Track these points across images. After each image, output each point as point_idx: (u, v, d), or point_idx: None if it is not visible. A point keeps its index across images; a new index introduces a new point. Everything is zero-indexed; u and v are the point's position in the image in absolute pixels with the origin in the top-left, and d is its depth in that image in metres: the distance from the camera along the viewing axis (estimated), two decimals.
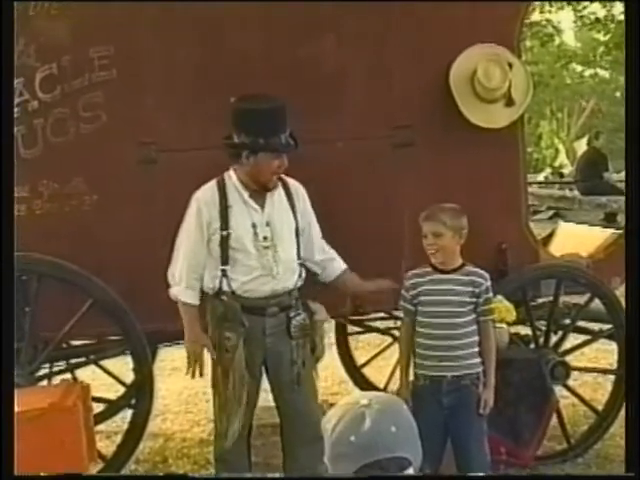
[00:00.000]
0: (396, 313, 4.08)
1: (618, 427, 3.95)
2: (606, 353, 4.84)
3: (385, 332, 4.71)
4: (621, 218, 9.37)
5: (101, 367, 4.43)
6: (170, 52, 3.62)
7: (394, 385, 4.23)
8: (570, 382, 4.02)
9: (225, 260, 3.15)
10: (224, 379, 3.12)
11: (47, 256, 3.48)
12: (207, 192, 3.18)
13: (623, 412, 3.85)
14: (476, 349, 3.17)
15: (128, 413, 3.77)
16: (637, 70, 3.29)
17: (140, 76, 3.61)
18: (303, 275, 3.28)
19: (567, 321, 4.03)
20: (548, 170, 18.09)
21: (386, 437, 1.54)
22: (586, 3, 14.12)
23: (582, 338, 4.23)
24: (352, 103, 3.73)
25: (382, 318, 4.44)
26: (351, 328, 4.83)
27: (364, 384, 4.85)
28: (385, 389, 4.50)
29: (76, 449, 3.20)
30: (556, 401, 3.83)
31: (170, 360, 5.24)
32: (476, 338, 3.17)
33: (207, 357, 3.25)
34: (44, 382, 3.73)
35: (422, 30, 3.74)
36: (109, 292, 3.51)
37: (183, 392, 5.12)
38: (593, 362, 5.02)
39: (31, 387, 3.49)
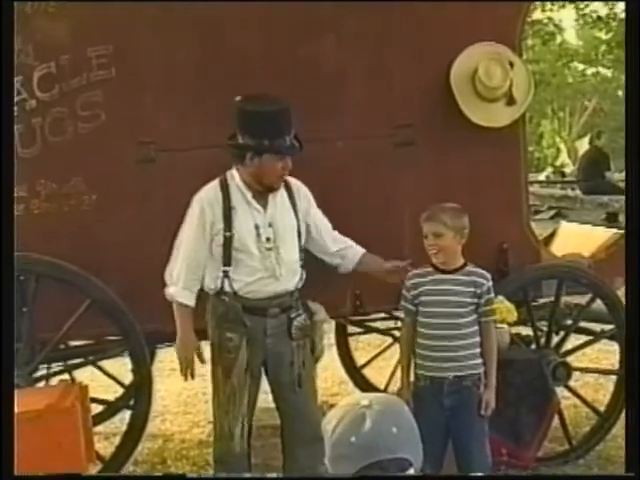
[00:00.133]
0: (396, 313, 4.08)
1: (620, 428, 3.93)
2: (608, 354, 4.83)
3: (385, 332, 4.71)
4: (623, 218, 9.34)
5: (99, 368, 4.42)
6: (169, 51, 3.61)
7: (395, 386, 4.21)
8: (572, 383, 4.01)
9: (227, 261, 3.14)
10: (225, 380, 3.11)
11: (45, 256, 3.46)
12: (210, 192, 3.16)
13: None
14: (477, 350, 3.16)
15: (127, 414, 3.76)
16: (637, 69, 3.27)
17: (139, 75, 3.59)
18: (304, 276, 3.26)
19: (569, 321, 4.02)
20: (549, 169, 18.11)
21: (387, 438, 1.53)
22: (588, 1, 14.11)
23: (584, 339, 4.22)
24: (352, 102, 3.72)
25: (382, 318, 4.43)
26: (351, 328, 4.82)
27: (364, 385, 4.85)
28: (385, 390, 4.49)
29: (74, 450, 3.18)
30: (557, 402, 3.81)
31: (169, 361, 5.20)
32: (477, 339, 3.16)
33: (205, 358, 3.24)
34: (42, 383, 3.71)
35: (423, 29, 3.73)
36: (108, 292, 3.50)
37: (182, 393, 5.11)
38: (595, 363, 5.00)
39: (29, 388, 3.47)
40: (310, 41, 3.67)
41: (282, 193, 3.22)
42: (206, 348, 3.25)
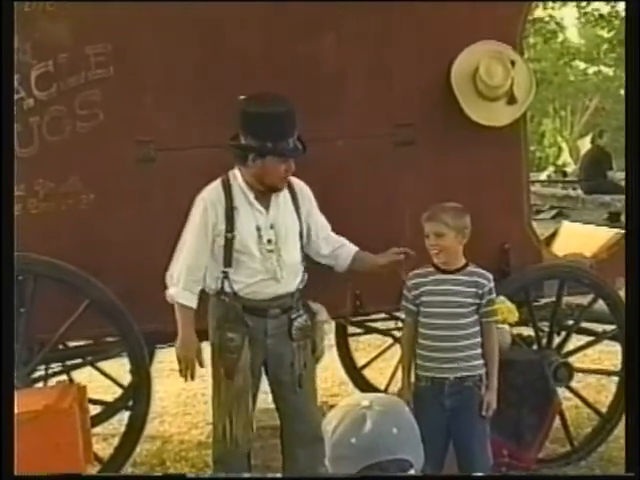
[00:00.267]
0: (397, 314, 4.07)
1: (622, 429, 3.90)
2: (610, 354, 4.82)
3: (386, 333, 4.69)
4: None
5: (98, 369, 4.41)
6: (168, 50, 3.59)
7: (395, 387, 4.20)
8: (573, 384, 3.99)
9: (228, 262, 3.12)
10: (227, 380, 3.10)
11: (43, 256, 3.45)
12: (213, 192, 3.14)
13: None
14: (479, 350, 3.15)
15: (125, 415, 3.73)
16: (637, 68, 3.25)
17: (137, 74, 3.57)
18: (305, 277, 3.25)
19: (570, 322, 4.01)
20: (551, 169, 18.08)
21: (387, 439, 1.53)
22: (589, 0, 14.09)
23: (585, 339, 4.22)
24: (352, 102, 3.71)
25: (383, 319, 4.42)
26: (351, 329, 4.81)
27: (364, 386, 4.84)
28: (386, 391, 4.48)
29: (72, 452, 3.17)
30: (559, 403, 3.80)
31: (168, 361, 5.19)
32: (479, 339, 3.15)
33: (204, 361, 3.22)
34: (40, 384, 3.69)
35: (423, 28, 3.72)
36: (106, 292, 3.48)
37: (181, 394, 5.11)
38: (597, 363, 5.00)
39: (27, 389, 3.46)
40: (310, 40, 3.65)
41: (285, 194, 3.20)
42: (206, 349, 3.24)
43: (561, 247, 4.42)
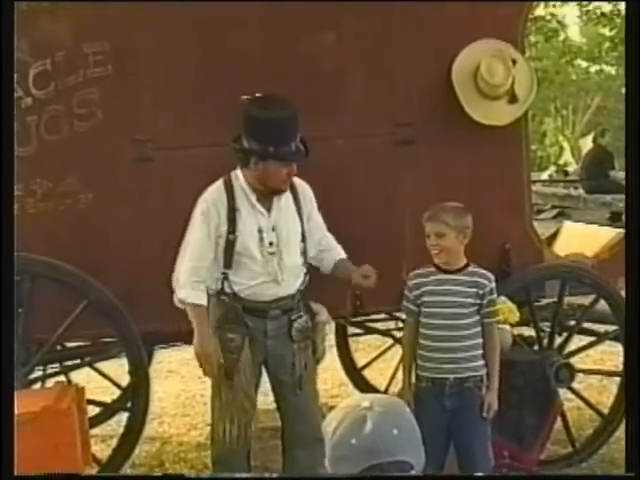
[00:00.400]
0: (397, 314, 4.05)
1: (624, 431, 3.88)
2: (612, 355, 4.82)
3: (386, 333, 4.68)
4: None
5: (96, 369, 4.40)
6: (167, 49, 3.58)
7: (395, 387, 4.19)
8: (575, 385, 3.98)
9: (229, 264, 3.11)
10: (226, 381, 3.09)
11: (41, 256, 3.44)
12: (215, 193, 3.13)
13: None
14: (479, 351, 3.14)
15: (124, 416, 3.73)
16: (637, 68, 3.23)
17: (136, 73, 3.56)
18: (307, 278, 3.24)
19: (572, 322, 4.00)
20: (552, 168, 18.05)
21: (388, 440, 1.53)
22: None
23: (587, 340, 4.20)
24: (352, 101, 3.69)
25: (383, 319, 4.41)
26: (351, 329, 4.81)
27: (364, 386, 4.83)
28: (386, 391, 4.48)
29: (70, 453, 3.15)
30: (560, 404, 3.79)
31: (167, 362, 5.22)
32: (479, 340, 3.14)
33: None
34: (38, 385, 3.70)
35: (423, 27, 3.71)
36: (104, 293, 3.47)
37: (180, 395, 5.12)
38: (598, 364, 5.00)
39: (25, 390, 3.45)
40: (310, 40, 3.64)
41: (287, 195, 3.19)
42: None
43: (562, 247, 4.40)
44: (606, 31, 15.81)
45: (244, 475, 3.15)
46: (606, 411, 4.00)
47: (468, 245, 3.17)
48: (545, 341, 3.88)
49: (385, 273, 3.57)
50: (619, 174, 11.29)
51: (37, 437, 3.05)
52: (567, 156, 20.75)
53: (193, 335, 3.12)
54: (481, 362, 3.13)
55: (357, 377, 4.92)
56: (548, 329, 3.90)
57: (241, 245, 3.09)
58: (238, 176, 3.14)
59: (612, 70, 21.41)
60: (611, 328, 4.05)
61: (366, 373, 4.93)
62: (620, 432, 3.93)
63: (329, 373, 4.94)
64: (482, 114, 3.67)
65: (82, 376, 4.25)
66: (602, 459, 3.91)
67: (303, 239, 3.21)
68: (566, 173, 15.61)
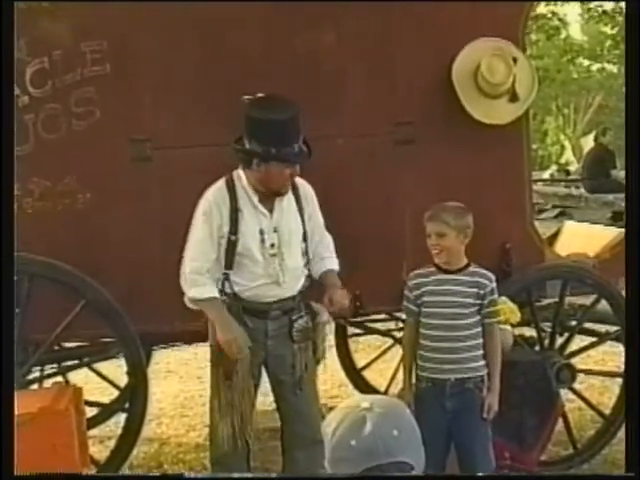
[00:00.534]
0: (397, 314, 4.03)
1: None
2: (613, 355, 4.82)
3: (386, 334, 4.67)
4: None
5: (94, 370, 4.39)
6: (165, 47, 3.56)
7: (395, 388, 4.18)
8: (576, 385, 3.97)
9: (229, 264, 3.09)
10: (226, 381, 3.08)
11: (39, 256, 3.42)
12: (217, 193, 3.10)
13: None
14: (480, 352, 3.12)
15: (122, 417, 3.73)
16: (638, 67, 3.21)
17: (134, 71, 3.55)
18: (308, 280, 3.22)
19: (573, 323, 3.99)
20: (554, 167, 18.01)
21: (388, 441, 1.52)
22: None
23: (588, 340, 4.19)
24: (353, 100, 3.68)
25: (383, 320, 4.40)
26: (351, 330, 4.81)
27: (364, 387, 4.82)
28: (386, 392, 4.48)
29: (68, 454, 3.14)
30: (561, 405, 3.78)
31: (165, 363, 5.22)
32: (480, 340, 3.13)
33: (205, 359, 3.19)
34: (35, 385, 3.68)
35: (424, 25, 3.69)
36: (102, 293, 3.46)
37: (179, 395, 5.12)
38: (600, 365, 4.99)
39: (22, 390, 3.43)
40: (310, 39, 3.63)
41: (289, 196, 3.16)
42: (206, 350, 3.21)
43: (564, 247, 4.40)
44: (608, 29, 15.79)
45: (242, 475, 3.15)
46: (608, 412, 3.99)
47: (469, 245, 3.16)
48: (546, 341, 3.86)
49: (385, 273, 3.57)
50: (621, 173, 11.26)
51: (35, 438, 3.04)
52: (568, 155, 20.71)
53: (190, 335, 3.11)
54: (482, 363, 3.12)
55: (357, 378, 4.91)
56: (549, 329, 3.89)
57: (242, 246, 3.07)
58: (240, 176, 3.12)
59: (614, 68, 21.36)
60: (612, 328, 4.04)
61: (366, 374, 4.92)
62: (622, 433, 3.91)
63: (329, 374, 4.91)
64: (483, 113, 3.65)
65: (80, 377, 4.24)
66: (604, 460, 3.90)
67: (305, 240, 3.19)
68: (567, 172, 15.58)
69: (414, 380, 3.19)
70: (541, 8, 13.76)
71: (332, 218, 3.33)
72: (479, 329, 3.12)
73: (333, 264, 3.26)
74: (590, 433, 4.05)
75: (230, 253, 3.08)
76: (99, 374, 4.44)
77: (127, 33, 3.51)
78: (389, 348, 4.79)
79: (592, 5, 14.46)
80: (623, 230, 4.33)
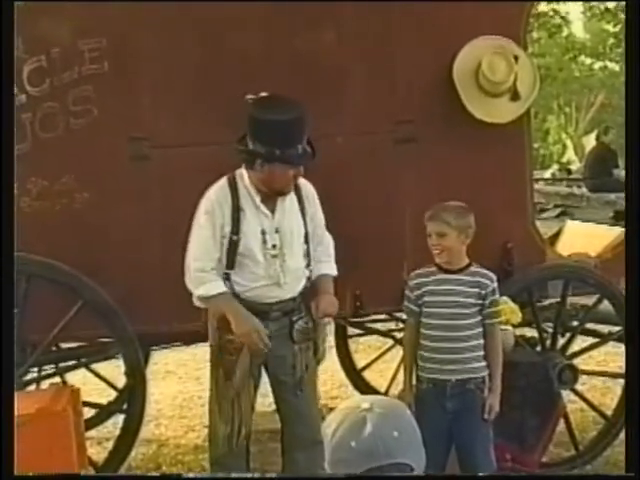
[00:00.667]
0: (397, 314, 4.02)
1: None
2: (615, 356, 4.80)
3: (386, 334, 4.67)
4: None
5: (92, 371, 4.37)
6: (164, 46, 3.54)
7: (396, 389, 4.16)
8: (578, 386, 3.96)
9: (230, 264, 3.07)
10: (226, 382, 3.06)
11: (37, 256, 3.40)
12: (220, 192, 3.08)
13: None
14: (481, 352, 3.11)
15: (120, 418, 3.71)
16: (638, 66, 3.19)
17: (133, 70, 3.52)
18: (310, 280, 3.20)
19: (575, 323, 3.97)
20: (555, 166, 17.96)
21: (388, 442, 1.51)
22: None
23: (590, 341, 4.18)
24: (353, 98, 3.66)
25: (383, 320, 4.38)
26: (351, 330, 4.80)
27: (364, 388, 4.81)
28: (386, 393, 4.48)
29: (66, 456, 3.12)
30: (563, 406, 3.77)
31: (164, 363, 5.21)
32: (481, 341, 3.12)
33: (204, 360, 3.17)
34: (33, 386, 3.67)
35: (424, 24, 3.68)
36: (100, 293, 3.44)
37: (177, 396, 5.11)
38: (602, 365, 4.98)
39: (19, 392, 3.41)
40: (310, 37, 3.61)
41: (291, 196, 3.15)
42: (206, 350, 3.20)
43: (565, 246, 4.38)
44: (610, 27, 15.74)
45: (241, 475, 3.13)
46: (610, 413, 3.98)
47: (470, 244, 3.15)
48: (548, 342, 3.85)
49: (385, 273, 3.55)
50: (623, 172, 11.23)
51: (32, 440, 3.02)
52: (570, 154, 20.66)
53: (189, 336, 3.09)
54: (483, 363, 3.11)
55: (357, 378, 4.90)
56: (551, 330, 3.88)
57: (244, 246, 3.06)
58: (243, 176, 3.10)
59: (616, 67, 21.30)
60: (615, 329, 4.03)
61: (366, 374, 4.91)
62: (624, 434, 3.90)
63: (328, 374, 4.92)
64: (484, 112, 3.64)
65: (78, 377, 4.22)
66: (606, 462, 3.89)
67: (306, 241, 3.18)
68: (569, 171, 15.55)
69: (415, 381, 3.19)
70: (543, 6, 13.73)
71: (332, 217, 3.31)
72: (480, 329, 3.11)
73: (329, 269, 3.25)
74: (592, 434, 4.04)
75: (231, 253, 3.06)
76: (97, 375, 4.43)
77: (125, 31, 3.49)
78: (389, 348, 4.78)
79: (594, 3, 14.42)
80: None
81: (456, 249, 3.11)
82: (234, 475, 3.10)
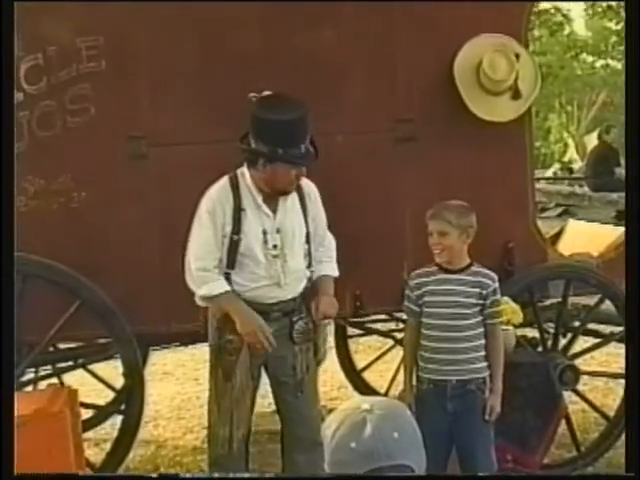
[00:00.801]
0: (397, 314, 4.00)
1: None
2: (617, 357, 4.79)
3: (386, 334, 4.66)
4: None
5: (90, 371, 4.36)
6: (162, 44, 3.53)
7: (396, 390, 4.15)
8: (580, 387, 3.94)
9: (231, 264, 3.06)
10: (225, 382, 3.05)
11: (34, 256, 3.38)
12: (221, 191, 3.07)
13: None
14: (482, 353, 3.10)
15: (118, 419, 3.69)
16: (638, 65, 3.17)
17: (130, 68, 3.51)
18: (310, 281, 3.18)
19: (576, 323, 3.96)
20: (557, 165, 17.94)
21: (388, 444, 1.50)
22: None
23: (592, 341, 4.17)
24: (353, 97, 3.65)
25: (383, 320, 4.37)
26: (351, 331, 4.79)
27: (364, 389, 4.80)
28: (386, 394, 4.48)
29: (63, 457, 3.11)
30: (565, 407, 3.75)
31: (162, 364, 5.20)
32: (482, 341, 3.10)
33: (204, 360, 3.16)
34: (30, 387, 3.66)
35: (425, 22, 3.67)
36: (98, 293, 3.43)
37: (175, 397, 5.11)
38: (604, 366, 4.97)
39: (16, 392, 3.38)
40: (310, 35, 3.60)
41: (293, 196, 3.13)
42: (205, 350, 3.19)
43: (567, 246, 4.37)
44: (612, 25, 15.72)
45: (239, 475, 3.12)
46: (612, 414, 3.97)
47: (471, 244, 3.13)
48: (549, 342, 3.85)
49: (386, 272, 3.53)
50: (624, 171, 11.21)
51: (29, 441, 3.00)
52: (572, 153, 20.63)
53: (187, 336, 3.07)
54: (484, 364, 3.10)
55: (357, 379, 4.89)
56: (552, 330, 3.87)
57: (245, 246, 3.04)
58: (244, 175, 3.08)
59: (618, 65, 21.26)
60: (616, 329, 4.01)
61: (366, 375, 4.91)
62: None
63: (328, 375, 4.92)
64: (484, 110, 3.62)
65: (75, 378, 4.22)
66: (608, 463, 3.87)
67: (308, 241, 3.16)
68: (571, 170, 15.54)
69: (415, 381, 3.18)
70: (544, 3, 13.71)
71: (331, 217, 3.30)
72: (481, 330, 3.10)
73: (330, 269, 3.23)
74: (594, 435, 4.03)
75: (232, 253, 3.05)
76: (95, 375, 4.42)
77: (123, 29, 3.48)
78: (389, 349, 4.78)
79: (596, 0, 14.39)
80: None
81: (457, 248, 3.09)
82: (231, 475, 3.09)
